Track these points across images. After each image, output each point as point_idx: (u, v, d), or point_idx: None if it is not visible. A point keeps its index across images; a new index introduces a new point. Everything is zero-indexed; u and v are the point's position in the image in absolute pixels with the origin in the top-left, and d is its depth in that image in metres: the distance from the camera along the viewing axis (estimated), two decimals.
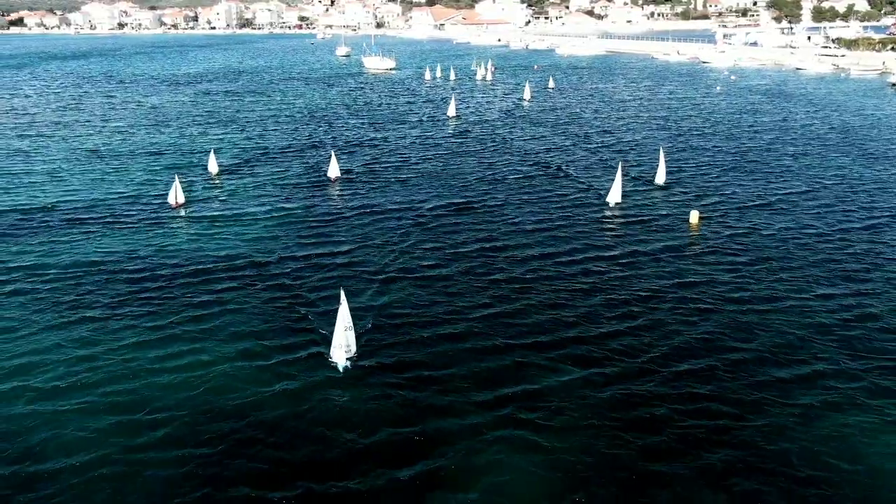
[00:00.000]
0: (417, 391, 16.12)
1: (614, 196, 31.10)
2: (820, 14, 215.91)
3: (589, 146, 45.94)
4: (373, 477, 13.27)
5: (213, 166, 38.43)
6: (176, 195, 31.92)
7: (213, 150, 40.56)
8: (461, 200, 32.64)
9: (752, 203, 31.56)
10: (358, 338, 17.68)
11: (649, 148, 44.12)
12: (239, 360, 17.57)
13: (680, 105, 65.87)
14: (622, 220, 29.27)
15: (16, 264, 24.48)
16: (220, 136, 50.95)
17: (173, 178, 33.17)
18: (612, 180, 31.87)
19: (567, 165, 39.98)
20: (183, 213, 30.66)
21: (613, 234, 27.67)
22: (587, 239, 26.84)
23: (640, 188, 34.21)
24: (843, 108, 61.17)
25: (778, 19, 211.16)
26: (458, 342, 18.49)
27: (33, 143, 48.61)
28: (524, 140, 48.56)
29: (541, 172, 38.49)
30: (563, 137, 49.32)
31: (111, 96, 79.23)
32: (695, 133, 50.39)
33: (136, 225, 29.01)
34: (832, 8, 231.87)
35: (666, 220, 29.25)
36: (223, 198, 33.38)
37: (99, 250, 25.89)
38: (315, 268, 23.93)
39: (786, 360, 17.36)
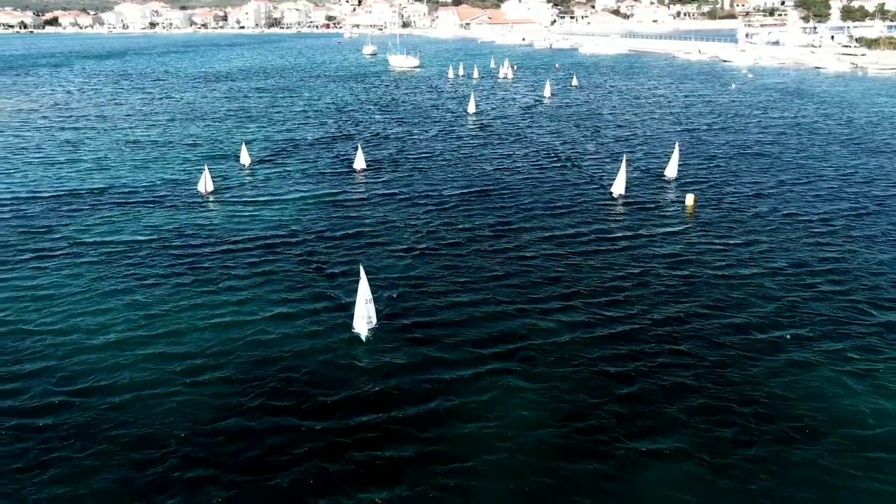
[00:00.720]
0: (431, 346, 18.52)
1: (618, 187, 33.26)
2: (849, 14, 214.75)
3: (602, 141, 48.09)
4: (394, 410, 15.71)
5: (244, 158, 40.95)
6: (205, 184, 34.44)
7: (244, 143, 43.16)
8: (477, 188, 35.11)
9: (748, 191, 33.65)
10: (380, 308, 20.11)
11: (662, 142, 46.15)
12: (275, 321, 20.15)
13: (695, 102, 67.63)
14: (624, 207, 31.48)
15: (76, 239, 27.42)
16: (252, 130, 53.87)
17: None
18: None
19: (579, 158, 42.20)
20: (211, 199, 33.32)
21: (614, 218, 29.93)
22: (590, 223, 29.12)
23: (649, 180, 36.33)
24: (853, 106, 62.57)
25: (806, 19, 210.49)
26: (469, 307, 20.89)
27: (79, 135, 51.96)
28: (540, 135, 50.84)
29: (554, 164, 40.75)
30: (578, 132, 51.51)
31: (148, 92, 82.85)
32: (705, 128, 52.30)
33: (178, 208, 31.83)
34: (861, 7, 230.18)
35: (665, 206, 31.44)
36: (256, 185, 36.10)
37: (147, 228, 28.78)
38: (341, 246, 26.50)
39: (758, 326, 19.56)
